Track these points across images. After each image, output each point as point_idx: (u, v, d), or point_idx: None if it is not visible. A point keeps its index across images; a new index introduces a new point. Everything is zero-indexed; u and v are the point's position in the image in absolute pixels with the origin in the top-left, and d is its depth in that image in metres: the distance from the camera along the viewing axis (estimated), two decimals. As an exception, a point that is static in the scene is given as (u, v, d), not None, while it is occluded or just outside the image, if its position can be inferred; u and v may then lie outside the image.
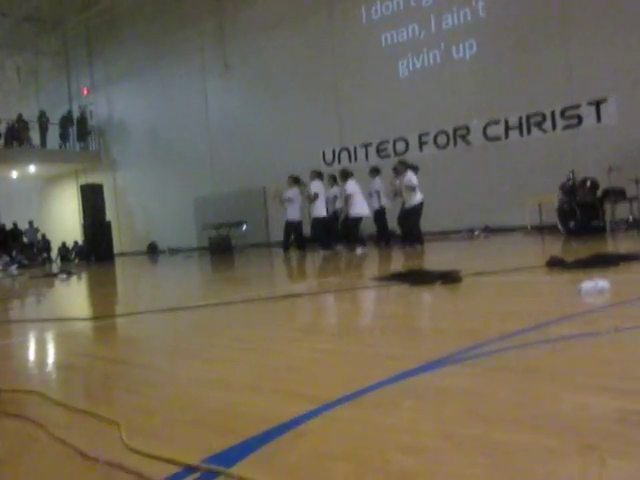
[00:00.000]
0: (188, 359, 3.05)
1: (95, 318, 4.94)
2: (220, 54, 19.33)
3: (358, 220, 11.84)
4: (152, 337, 4.02)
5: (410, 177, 11.04)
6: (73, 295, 8.62)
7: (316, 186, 12.33)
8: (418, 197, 10.98)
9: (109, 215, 19.59)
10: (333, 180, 13.12)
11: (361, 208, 11.82)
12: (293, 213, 12.67)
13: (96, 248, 18.38)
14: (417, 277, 5.29)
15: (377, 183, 12.90)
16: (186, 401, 2.23)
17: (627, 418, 1.65)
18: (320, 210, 12.24)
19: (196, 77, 20.36)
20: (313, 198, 12.17)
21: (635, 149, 11.52)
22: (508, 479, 1.37)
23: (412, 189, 10.91)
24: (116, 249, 20.31)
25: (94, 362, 3.20)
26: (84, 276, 12.35)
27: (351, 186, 11.85)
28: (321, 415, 1.88)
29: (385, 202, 12.69)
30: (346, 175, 12.10)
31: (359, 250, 11.14)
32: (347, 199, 11.77)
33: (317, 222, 12.27)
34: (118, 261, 18.54)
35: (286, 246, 12.74)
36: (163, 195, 21.79)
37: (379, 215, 12.89)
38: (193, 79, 20.45)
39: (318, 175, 12.65)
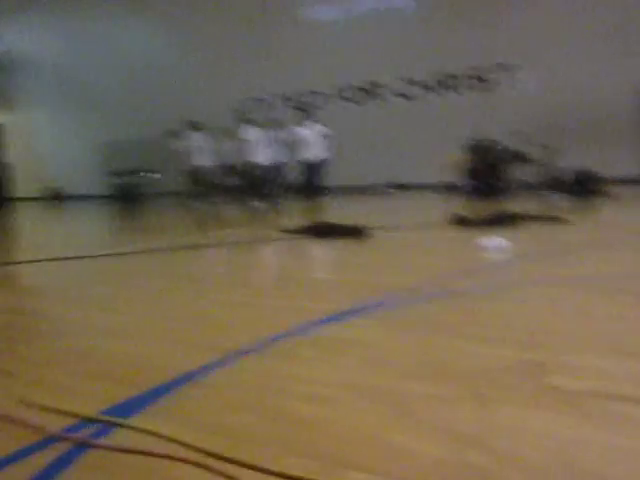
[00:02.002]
0: (92, 310, 2.97)
1: (-9, 266, 4.70)
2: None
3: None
4: (54, 286, 3.88)
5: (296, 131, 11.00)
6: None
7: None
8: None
9: (11, 157, 18.41)
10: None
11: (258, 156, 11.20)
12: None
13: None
14: (325, 230, 5.35)
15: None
16: (88, 352, 2.18)
17: (512, 367, 1.76)
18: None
19: (115, 16, 19.23)
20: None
21: (546, 115, 11.98)
22: (405, 426, 1.44)
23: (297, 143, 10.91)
24: (18, 194, 19.25)
25: (-11, 312, 3.06)
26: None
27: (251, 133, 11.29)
28: (223, 366, 1.90)
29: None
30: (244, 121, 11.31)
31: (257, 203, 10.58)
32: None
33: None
34: (19, 207, 17.61)
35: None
36: (72, 138, 20.67)
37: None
38: (111, 18, 19.30)
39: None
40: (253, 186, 11.26)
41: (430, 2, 13.81)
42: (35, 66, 21.54)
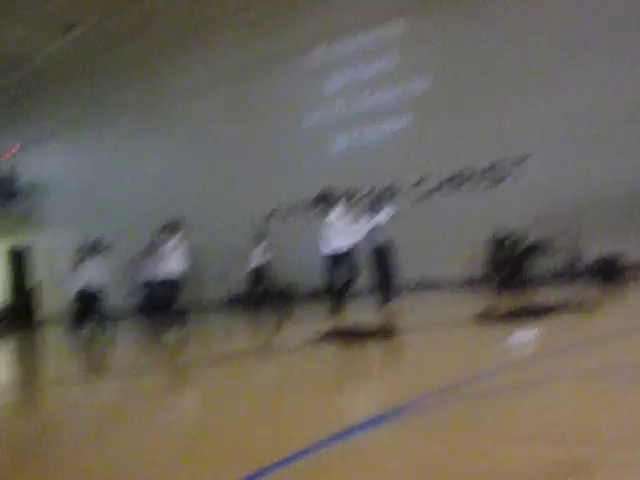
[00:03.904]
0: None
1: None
2: (154, 113, 19.33)
3: None
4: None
5: None
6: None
7: None
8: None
9: (39, 277, 18.94)
10: None
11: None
12: None
13: (21, 314, 17.63)
14: (352, 334, 5.30)
15: None
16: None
17: (557, 470, 1.69)
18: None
19: (130, 134, 20.25)
20: None
21: (559, 203, 12.02)
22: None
23: None
24: (47, 311, 19.52)
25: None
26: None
27: None
28: (257, 481, 1.85)
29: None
30: None
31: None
32: None
33: None
34: (48, 326, 17.79)
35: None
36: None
37: None
38: (127, 136, 20.33)
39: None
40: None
41: (430, 104, 14.31)
42: (64, 188, 22.52)
